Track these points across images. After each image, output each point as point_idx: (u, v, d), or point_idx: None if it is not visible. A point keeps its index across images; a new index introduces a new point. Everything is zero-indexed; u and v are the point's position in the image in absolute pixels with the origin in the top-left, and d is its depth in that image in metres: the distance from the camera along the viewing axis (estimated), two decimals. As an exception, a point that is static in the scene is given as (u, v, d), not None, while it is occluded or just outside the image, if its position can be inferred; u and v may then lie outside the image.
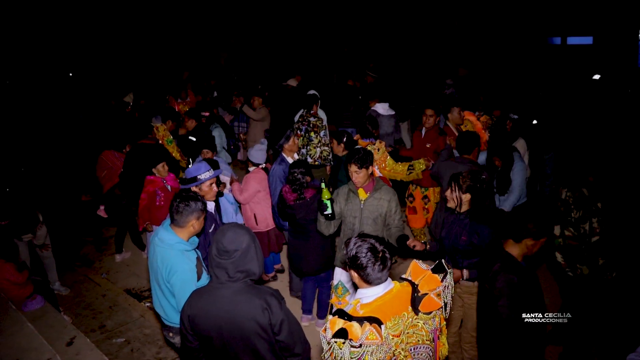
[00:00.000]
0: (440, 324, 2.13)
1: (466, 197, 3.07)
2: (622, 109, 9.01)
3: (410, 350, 2.03)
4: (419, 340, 2.04)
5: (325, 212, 3.39)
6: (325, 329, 1.94)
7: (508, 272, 2.44)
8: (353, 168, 3.33)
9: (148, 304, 4.82)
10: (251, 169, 4.72)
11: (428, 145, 4.92)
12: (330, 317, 1.97)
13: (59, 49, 13.20)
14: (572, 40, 12.96)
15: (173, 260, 2.67)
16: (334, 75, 8.76)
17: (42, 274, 4.87)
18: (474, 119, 5.66)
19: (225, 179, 4.68)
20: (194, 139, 5.85)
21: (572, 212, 3.61)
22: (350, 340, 1.86)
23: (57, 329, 3.88)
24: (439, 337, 2.15)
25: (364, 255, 1.99)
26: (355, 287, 2.12)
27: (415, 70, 11.32)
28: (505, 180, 4.43)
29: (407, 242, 3.20)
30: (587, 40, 12.60)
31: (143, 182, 4.73)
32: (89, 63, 13.51)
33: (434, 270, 2.13)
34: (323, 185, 3.38)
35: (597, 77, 10.54)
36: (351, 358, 1.87)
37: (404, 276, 2.14)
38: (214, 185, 3.43)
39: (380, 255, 2.00)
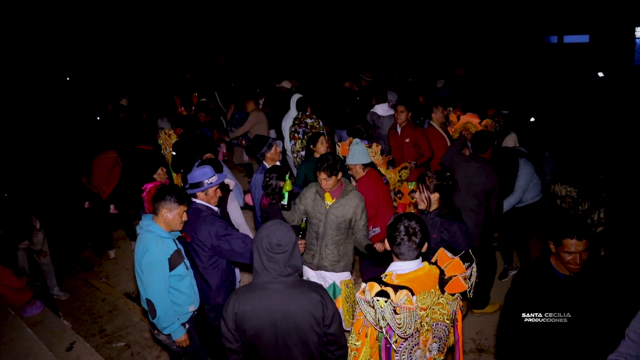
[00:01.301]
0: (457, 307, 2.26)
1: (435, 196, 3.13)
2: (619, 107, 9.02)
3: (432, 325, 2.17)
4: (440, 318, 2.18)
5: (281, 202, 3.49)
6: (363, 292, 2.07)
7: None
8: (322, 176, 3.34)
9: (148, 308, 4.83)
10: None
11: (407, 140, 5.08)
12: (364, 283, 2.11)
13: (57, 53, 13.21)
14: (569, 39, 13.00)
15: (148, 242, 2.86)
16: (336, 77, 8.77)
17: (41, 279, 4.86)
18: (476, 121, 5.63)
19: (228, 181, 4.66)
20: (175, 153, 5.71)
21: (581, 204, 3.64)
22: (391, 301, 1.97)
23: (57, 334, 3.88)
24: (457, 321, 2.31)
25: (400, 231, 2.17)
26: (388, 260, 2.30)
27: (412, 70, 11.34)
28: (507, 186, 4.41)
29: (375, 246, 3.22)
30: (584, 38, 12.64)
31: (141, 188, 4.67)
32: (86, 66, 13.52)
33: (461, 259, 2.24)
34: (287, 177, 3.46)
35: (600, 74, 10.55)
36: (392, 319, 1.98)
37: (431, 260, 2.26)
38: (218, 189, 3.39)
39: (413, 233, 2.17)
